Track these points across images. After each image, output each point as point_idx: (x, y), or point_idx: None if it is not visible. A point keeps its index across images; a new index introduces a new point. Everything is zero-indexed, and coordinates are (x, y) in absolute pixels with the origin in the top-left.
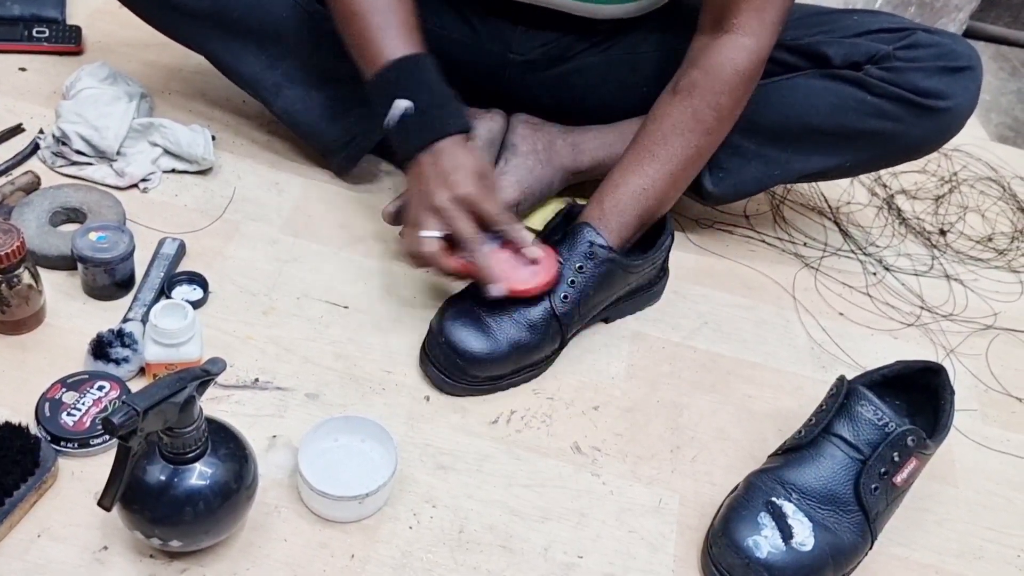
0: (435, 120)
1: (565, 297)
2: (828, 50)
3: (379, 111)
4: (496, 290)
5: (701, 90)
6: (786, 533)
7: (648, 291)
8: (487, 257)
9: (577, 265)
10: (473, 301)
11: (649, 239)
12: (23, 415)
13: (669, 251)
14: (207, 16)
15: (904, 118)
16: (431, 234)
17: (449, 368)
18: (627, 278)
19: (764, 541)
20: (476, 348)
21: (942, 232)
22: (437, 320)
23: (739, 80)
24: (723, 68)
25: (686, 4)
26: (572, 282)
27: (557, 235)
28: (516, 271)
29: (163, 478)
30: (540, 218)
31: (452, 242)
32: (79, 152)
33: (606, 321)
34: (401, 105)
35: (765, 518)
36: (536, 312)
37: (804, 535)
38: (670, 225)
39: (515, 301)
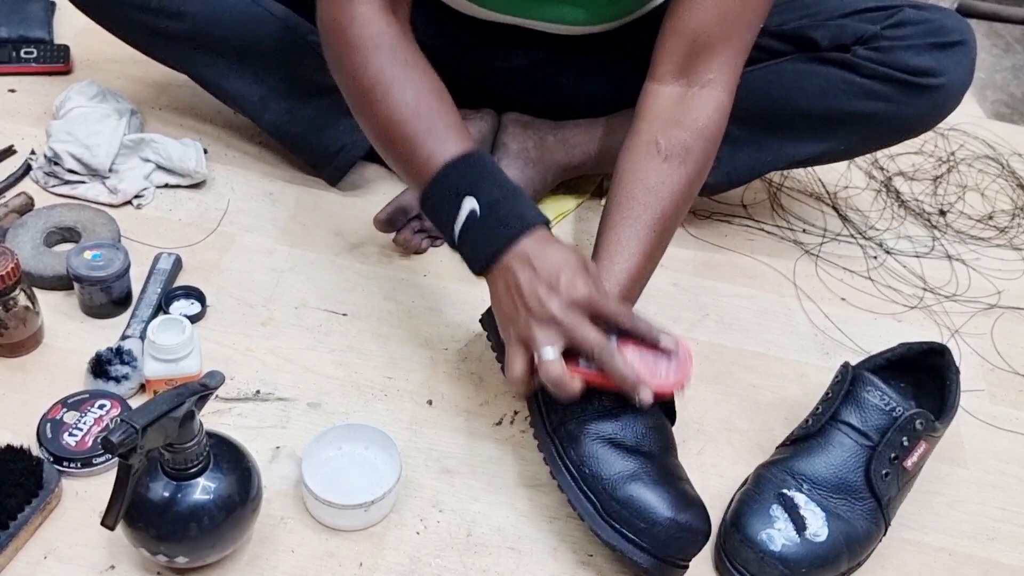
0: (513, 215)
1: None
2: (814, 34)
3: (441, 222)
4: (646, 394)
5: (695, 156)
6: (799, 524)
7: None
8: (622, 363)
9: None
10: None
11: None
12: (24, 437)
13: None
14: (189, 38)
15: (896, 98)
16: (551, 354)
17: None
18: None
19: (778, 534)
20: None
21: (942, 212)
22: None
23: (717, 142)
24: (710, 129)
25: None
26: None
27: None
28: (653, 368)
29: (166, 494)
30: None
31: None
32: (71, 171)
33: None
34: (467, 205)
35: (777, 510)
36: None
37: (817, 525)
38: None
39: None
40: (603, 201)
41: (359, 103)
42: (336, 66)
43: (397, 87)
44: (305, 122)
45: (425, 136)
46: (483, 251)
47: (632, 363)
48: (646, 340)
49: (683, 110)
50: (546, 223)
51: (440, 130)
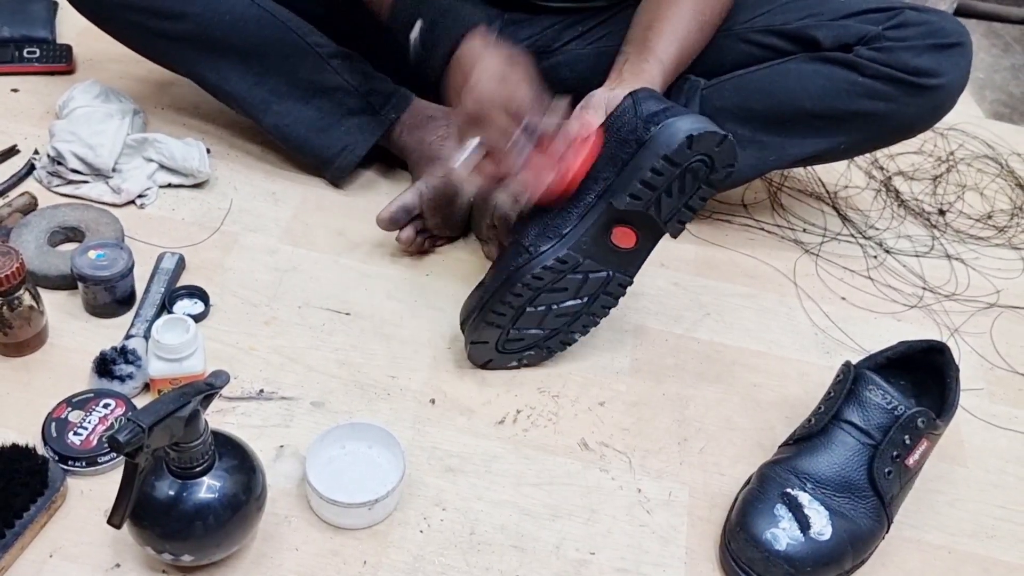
0: (446, 27)
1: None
2: (817, 33)
3: (405, 49)
4: (531, 198)
5: None
6: (803, 523)
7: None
8: (521, 163)
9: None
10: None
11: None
12: (30, 436)
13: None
14: (191, 39)
15: (897, 97)
16: (466, 151)
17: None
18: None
19: (782, 533)
20: None
21: (941, 212)
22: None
23: None
24: None
25: None
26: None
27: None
28: (548, 172)
29: (172, 493)
30: None
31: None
32: (75, 171)
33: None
34: (415, 33)
35: (781, 510)
36: None
37: (821, 524)
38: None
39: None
40: None
41: None
42: None
43: None
44: (307, 123)
45: None
46: (435, 67)
47: (531, 163)
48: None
49: None
50: (480, 25)
51: None
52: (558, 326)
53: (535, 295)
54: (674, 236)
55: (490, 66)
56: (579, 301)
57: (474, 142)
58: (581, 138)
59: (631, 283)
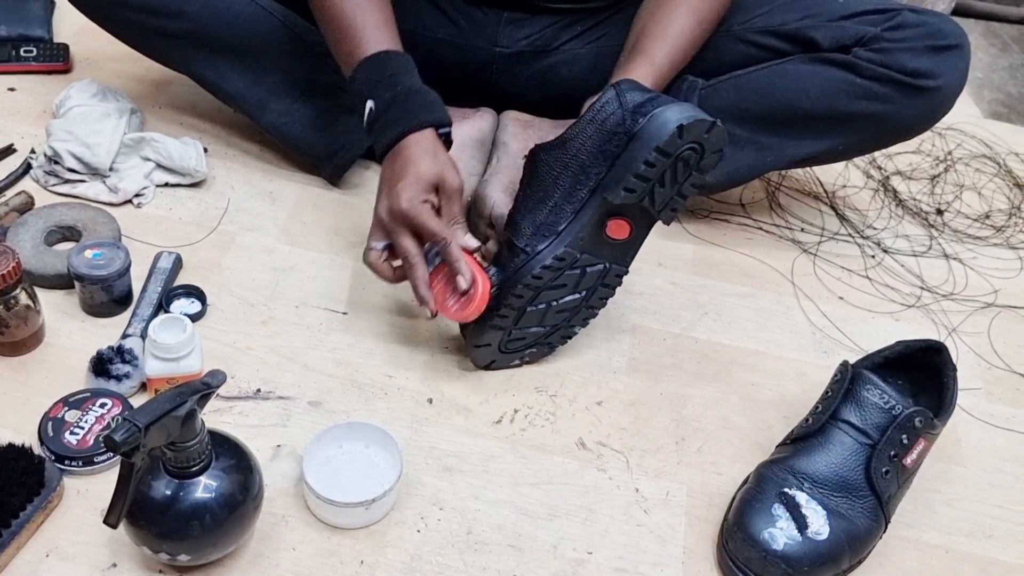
0: (398, 116)
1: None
2: (816, 34)
3: (360, 114)
4: (426, 313)
5: None
6: (801, 523)
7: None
8: (420, 280)
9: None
10: None
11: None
12: (26, 435)
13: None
14: (189, 37)
15: (894, 99)
16: (375, 246)
17: None
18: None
19: (780, 533)
20: None
21: (939, 212)
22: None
23: None
24: None
25: None
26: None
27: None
28: (449, 296)
29: (168, 493)
30: None
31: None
32: (71, 170)
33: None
34: (368, 106)
35: (779, 509)
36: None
37: (819, 524)
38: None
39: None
40: None
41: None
42: None
43: None
44: (304, 122)
45: (352, 31)
46: (379, 147)
47: (436, 284)
48: (451, 269)
49: None
50: (435, 124)
51: (367, 29)
52: (558, 322)
53: (535, 294)
54: (667, 223)
55: (420, 175)
56: (578, 295)
57: (381, 243)
58: (477, 287)
59: (627, 272)
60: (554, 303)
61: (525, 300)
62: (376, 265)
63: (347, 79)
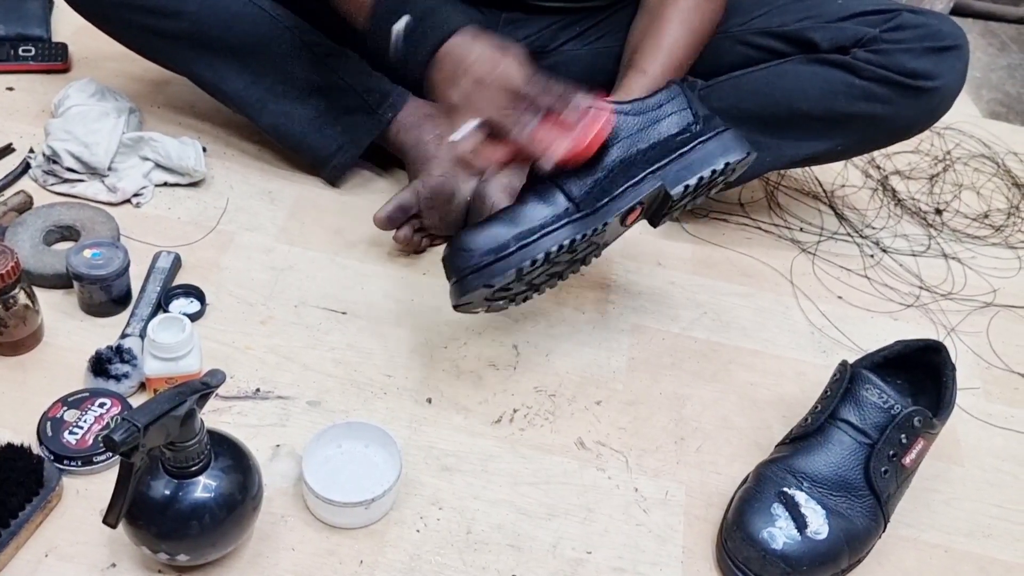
0: (435, 25)
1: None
2: (815, 35)
3: (382, 48)
4: (548, 163)
5: None
6: (800, 522)
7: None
8: (530, 133)
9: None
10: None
11: None
12: (25, 435)
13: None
14: (187, 37)
15: (893, 100)
16: (466, 128)
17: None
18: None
19: (779, 532)
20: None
21: (938, 211)
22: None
23: None
24: None
25: None
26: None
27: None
28: (564, 137)
29: (167, 493)
30: None
31: (493, 135)
32: (70, 169)
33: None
34: (399, 27)
35: (778, 509)
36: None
37: (818, 523)
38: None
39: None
40: None
41: None
42: None
43: None
44: (303, 122)
45: None
46: (418, 64)
47: (541, 136)
48: (559, 111)
49: None
50: (470, 25)
51: None
52: (540, 282)
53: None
54: (656, 227)
55: (484, 50)
56: (569, 257)
57: (473, 123)
58: (597, 109)
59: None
60: (552, 268)
61: (544, 264)
62: (479, 152)
63: (365, 20)
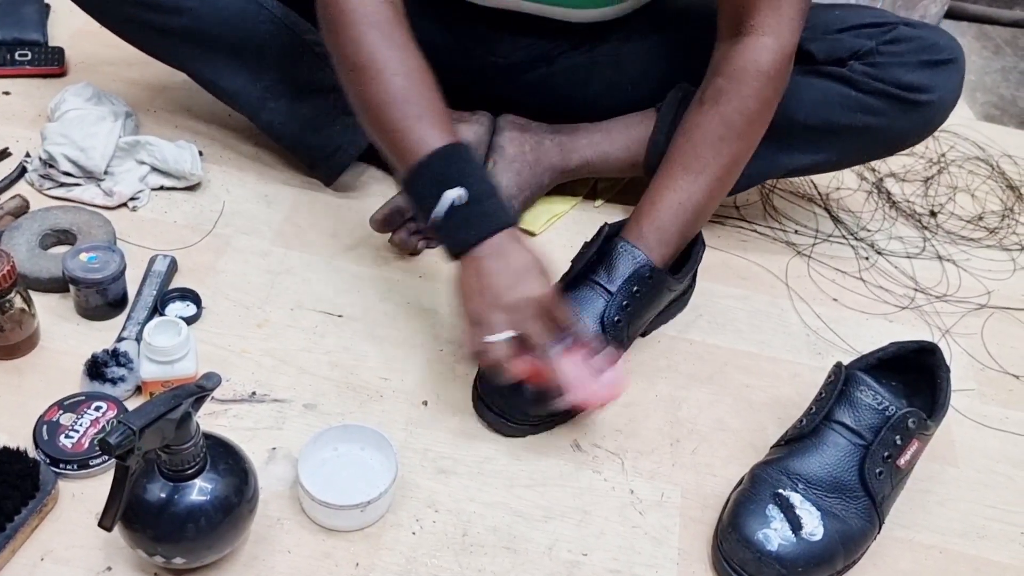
0: (490, 212)
1: (617, 321)
2: (811, 47)
3: (423, 203)
4: (564, 403)
5: (727, 96)
6: (795, 524)
7: (679, 300)
8: (560, 363)
9: (623, 288)
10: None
11: (683, 251)
12: (21, 439)
13: (700, 261)
14: (186, 34)
15: (889, 112)
16: (502, 336)
17: (507, 410)
18: (669, 295)
19: (774, 534)
20: (531, 390)
21: (932, 213)
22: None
23: (765, 81)
24: (746, 71)
25: (670, 4)
26: (624, 305)
27: (593, 254)
28: (587, 379)
29: (163, 496)
30: (530, 218)
31: (519, 344)
32: (66, 173)
33: (643, 336)
34: (451, 195)
35: (773, 510)
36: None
37: (813, 525)
38: (701, 236)
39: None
40: (597, 203)
41: (351, 80)
42: (331, 40)
43: (390, 70)
44: (302, 121)
45: (415, 122)
46: (463, 237)
47: (569, 369)
48: (588, 352)
49: (725, 59)
50: (515, 224)
51: (429, 118)
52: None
53: None
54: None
55: (538, 269)
56: None
57: (508, 333)
58: (620, 374)
59: None
60: None
61: None
62: (506, 356)
63: (411, 165)
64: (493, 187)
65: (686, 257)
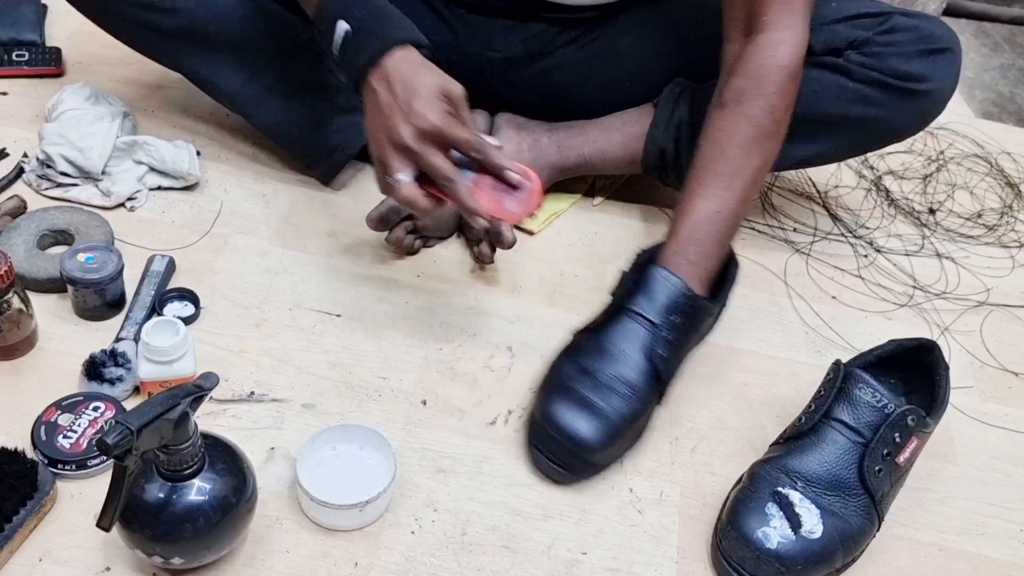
0: (376, 33)
1: (665, 357)
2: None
3: (326, 43)
4: (480, 222)
5: (750, 96)
6: (794, 522)
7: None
8: (467, 193)
9: (664, 319)
10: (570, 378)
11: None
12: (19, 439)
13: (736, 281)
14: (182, 33)
15: (886, 102)
16: (404, 178)
17: (565, 459)
18: (710, 320)
19: (773, 532)
20: (590, 435)
21: (931, 211)
22: (539, 407)
23: (786, 76)
24: (767, 68)
25: None
26: (668, 339)
27: (630, 283)
28: (500, 198)
29: (161, 496)
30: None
31: (425, 176)
32: (64, 174)
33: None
34: (341, 28)
35: (772, 508)
36: (636, 375)
37: (812, 523)
38: (735, 256)
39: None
40: (595, 201)
41: None
42: None
43: None
44: (299, 121)
45: None
46: (355, 70)
47: (481, 193)
48: (496, 172)
49: (741, 60)
50: (415, 43)
51: None
52: None
53: None
54: None
55: (430, 90)
56: None
57: (409, 173)
58: (533, 184)
59: None
60: None
61: None
62: (413, 196)
63: (314, 7)
64: (386, 10)
65: (721, 279)
